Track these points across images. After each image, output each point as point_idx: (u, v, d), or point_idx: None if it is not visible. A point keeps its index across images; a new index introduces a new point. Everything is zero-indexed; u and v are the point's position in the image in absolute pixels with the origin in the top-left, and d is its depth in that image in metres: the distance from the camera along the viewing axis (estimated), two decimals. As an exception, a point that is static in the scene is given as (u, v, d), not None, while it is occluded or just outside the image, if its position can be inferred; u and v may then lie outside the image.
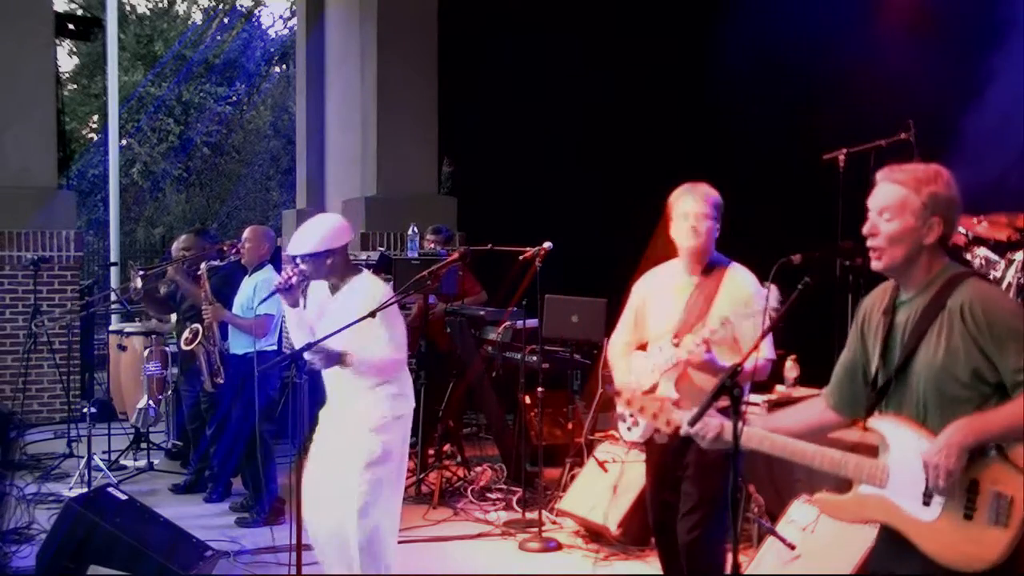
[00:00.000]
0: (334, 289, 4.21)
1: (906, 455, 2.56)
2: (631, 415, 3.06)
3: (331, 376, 4.20)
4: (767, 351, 3.73)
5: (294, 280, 4.11)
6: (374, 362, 4.07)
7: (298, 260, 4.11)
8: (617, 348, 4.06)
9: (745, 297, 3.71)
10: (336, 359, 4.00)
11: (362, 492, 4.08)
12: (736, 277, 3.81)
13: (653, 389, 3.74)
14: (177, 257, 6.59)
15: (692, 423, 2.80)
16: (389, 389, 4.16)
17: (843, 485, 2.73)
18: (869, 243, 2.63)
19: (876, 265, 2.64)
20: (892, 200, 2.60)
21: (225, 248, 6.63)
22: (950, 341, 2.53)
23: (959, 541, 2.46)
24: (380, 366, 4.09)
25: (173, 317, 7.61)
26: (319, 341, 3.94)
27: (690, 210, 3.79)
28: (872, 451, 2.66)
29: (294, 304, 4.18)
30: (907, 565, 2.57)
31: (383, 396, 4.14)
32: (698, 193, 3.81)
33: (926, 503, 2.52)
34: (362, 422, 4.13)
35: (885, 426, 2.63)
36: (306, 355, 3.94)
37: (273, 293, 4.21)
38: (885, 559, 2.69)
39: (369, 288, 4.15)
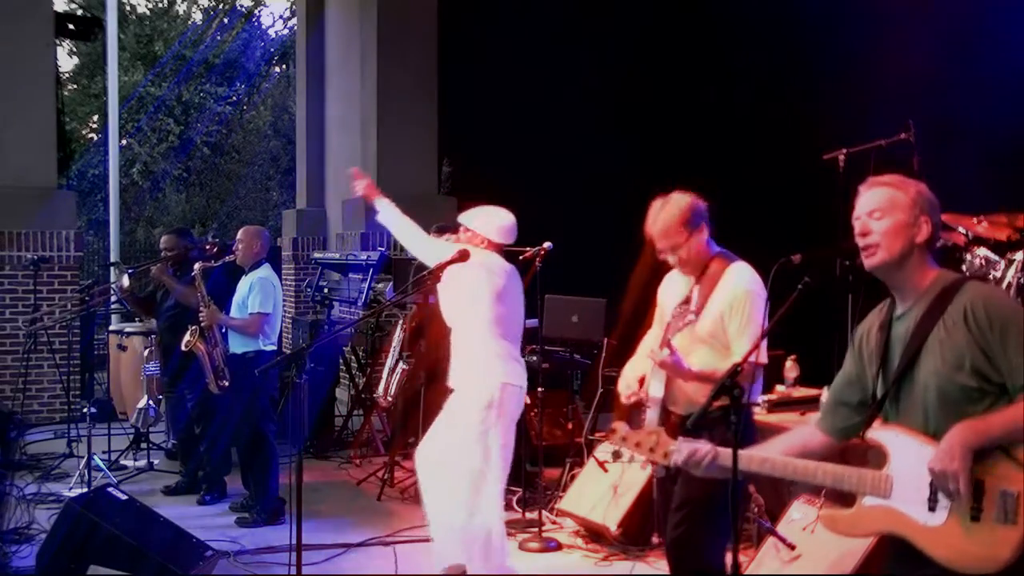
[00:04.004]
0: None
1: (908, 463, 2.54)
2: (628, 451, 3.04)
3: (454, 348, 4.62)
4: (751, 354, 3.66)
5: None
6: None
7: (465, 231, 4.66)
8: (643, 343, 4.06)
9: (737, 296, 3.68)
10: None
11: (464, 468, 4.42)
12: (732, 275, 3.76)
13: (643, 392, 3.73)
14: (163, 258, 6.65)
15: (692, 424, 2.80)
16: (494, 369, 4.45)
17: (844, 494, 2.71)
18: (863, 242, 2.63)
19: (871, 262, 2.62)
20: (881, 200, 2.62)
21: (207, 247, 6.65)
22: (954, 345, 2.51)
23: (969, 544, 2.43)
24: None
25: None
26: (319, 342, 4.02)
27: (656, 244, 3.80)
28: (877, 463, 2.65)
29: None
30: (923, 572, 2.53)
31: (484, 375, 4.45)
32: (657, 227, 3.75)
33: (931, 508, 2.49)
34: (466, 401, 4.49)
35: (885, 436, 2.61)
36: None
37: (452, 261, 4.50)
38: (900, 568, 2.66)
39: (483, 260, 4.53)
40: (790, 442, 2.87)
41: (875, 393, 2.68)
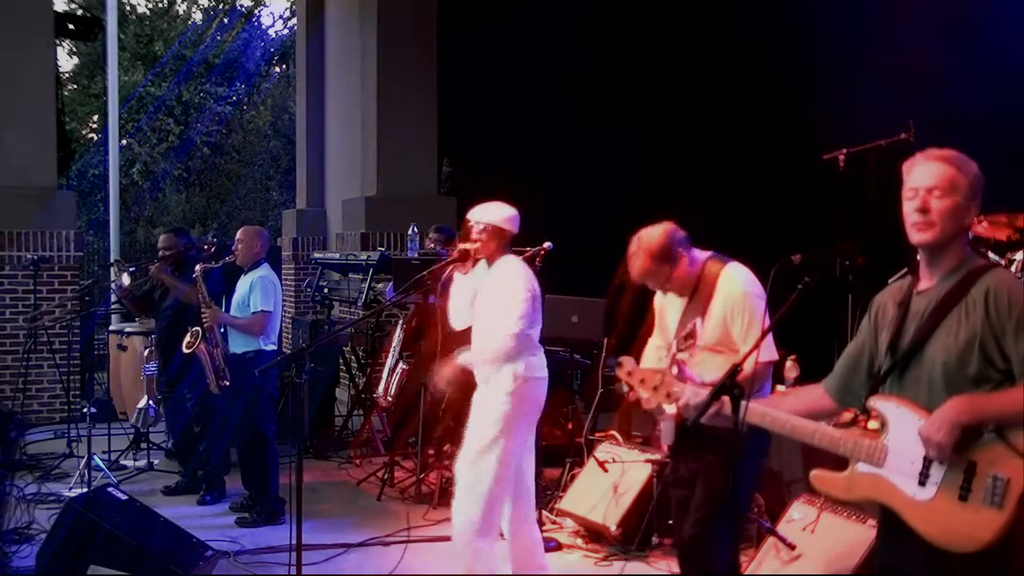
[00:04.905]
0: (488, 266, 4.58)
1: (905, 435, 2.58)
2: (630, 387, 3.06)
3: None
4: (766, 353, 3.60)
5: (470, 247, 4.52)
6: (496, 347, 4.41)
7: (479, 225, 4.50)
8: (646, 352, 4.05)
9: (735, 298, 3.67)
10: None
11: (475, 457, 4.43)
12: (728, 278, 3.75)
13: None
14: (161, 257, 6.66)
15: (692, 424, 2.81)
16: (515, 371, 4.40)
17: (841, 468, 2.73)
18: (920, 218, 2.62)
19: (923, 237, 2.62)
20: (943, 179, 2.62)
21: (205, 247, 6.65)
22: (970, 325, 2.55)
23: (953, 521, 2.48)
24: (503, 347, 4.39)
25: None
26: (319, 342, 4.00)
27: (639, 279, 3.84)
28: (873, 433, 2.68)
29: (466, 271, 4.56)
30: (909, 556, 2.57)
31: (507, 376, 4.40)
32: (637, 273, 3.79)
33: (922, 483, 2.53)
34: (488, 402, 4.47)
35: (886, 406, 2.65)
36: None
37: (452, 261, 4.56)
38: (887, 550, 2.69)
39: (512, 269, 4.51)
40: (796, 404, 2.90)
41: (881, 363, 2.71)
